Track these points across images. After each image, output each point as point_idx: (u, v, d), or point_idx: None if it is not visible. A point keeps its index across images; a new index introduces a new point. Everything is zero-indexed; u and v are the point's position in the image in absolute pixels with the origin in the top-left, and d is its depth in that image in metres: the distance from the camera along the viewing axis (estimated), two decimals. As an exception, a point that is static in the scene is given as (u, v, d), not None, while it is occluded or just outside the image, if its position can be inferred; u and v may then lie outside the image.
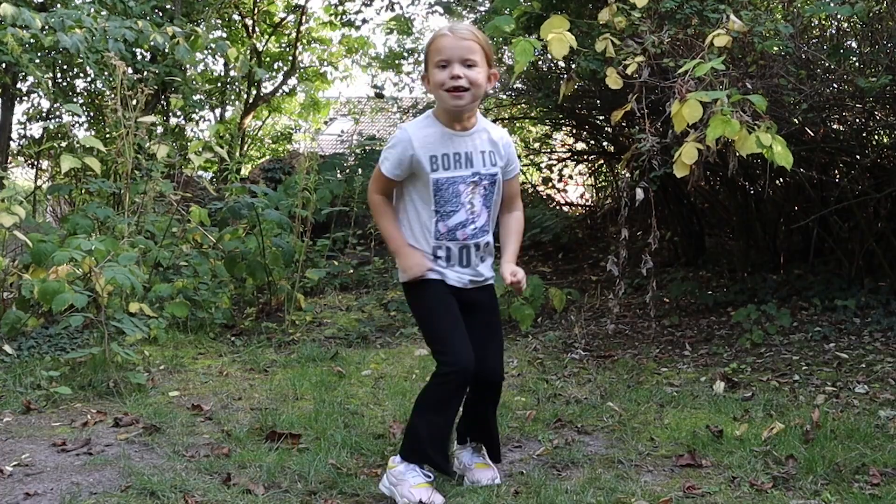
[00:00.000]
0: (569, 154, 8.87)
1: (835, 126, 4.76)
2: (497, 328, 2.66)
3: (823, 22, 4.60)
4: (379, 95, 9.03)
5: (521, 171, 9.43)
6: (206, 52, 11.43)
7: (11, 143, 9.89)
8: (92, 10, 6.04)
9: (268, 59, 13.87)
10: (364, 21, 10.52)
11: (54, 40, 5.24)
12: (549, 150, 9.21)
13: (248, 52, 12.99)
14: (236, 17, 13.15)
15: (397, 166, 2.51)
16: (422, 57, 10.39)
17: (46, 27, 5.25)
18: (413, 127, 2.55)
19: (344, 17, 11.42)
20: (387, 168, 2.52)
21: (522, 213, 2.73)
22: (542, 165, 9.07)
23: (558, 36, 3.68)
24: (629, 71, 3.83)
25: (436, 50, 2.48)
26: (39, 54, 6.98)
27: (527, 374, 4.09)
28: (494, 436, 2.69)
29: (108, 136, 9.00)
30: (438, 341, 2.51)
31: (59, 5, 7.29)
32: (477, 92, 2.47)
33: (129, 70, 5.05)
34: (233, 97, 13.48)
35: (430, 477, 2.50)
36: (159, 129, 9.19)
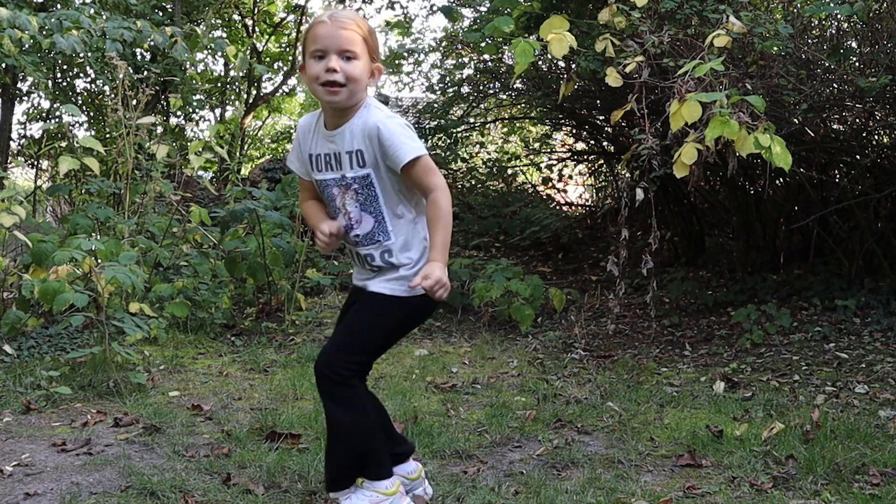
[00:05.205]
0: (569, 154, 8.87)
1: (835, 126, 4.77)
2: (353, 318, 2.33)
3: (823, 22, 4.60)
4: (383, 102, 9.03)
5: (521, 171, 9.41)
6: (206, 51, 11.44)
7: (11, 143, 9.88)
8: (91, 10, 6.04)
9: (268, 59, 13.85)
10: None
11: (52, 43, 5.22)
12: (549, 150, 9.22)
13: (248, 51, 12.98)
14: (236, 17, 13.14)
15: (296, 162, 2.37)
16: (421, 57, 10.30)
17: (45, 28, 5.24)
18: (304, 120, 2.36)
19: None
20: (290, 162, 2.40)
21: (441, 195, 2.20)
22: (542, 165, 9.08)
23: (558, 36, 3.68)
24: (628, 70, 3.83)
25: (312, 38, 2.20)
26: (39, 55, 6.98)
27: (527, 374, 4.09)
28: (328, 457, 2.34)
29: (108, 136, 9.00)
30: None
31: (58, 5, 7.28)
32: (354, 88, 2.20)
33: (130, 69, 5.04)
34: (233, 97, 13.48)
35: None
36: (159, 129, 9.18)
